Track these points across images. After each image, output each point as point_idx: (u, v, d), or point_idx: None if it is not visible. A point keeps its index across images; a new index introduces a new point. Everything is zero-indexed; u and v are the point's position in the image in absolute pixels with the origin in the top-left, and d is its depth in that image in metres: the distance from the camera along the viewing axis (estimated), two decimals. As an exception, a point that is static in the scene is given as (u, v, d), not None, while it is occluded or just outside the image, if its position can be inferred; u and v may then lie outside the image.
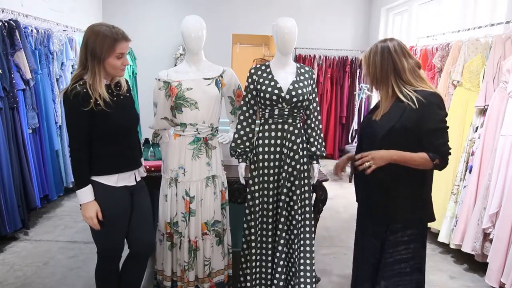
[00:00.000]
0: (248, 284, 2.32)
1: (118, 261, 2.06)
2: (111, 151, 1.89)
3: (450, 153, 1.73)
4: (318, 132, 2.32)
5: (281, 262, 2.29)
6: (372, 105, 1.95)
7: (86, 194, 1.82)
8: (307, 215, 2.31)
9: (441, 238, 3.22)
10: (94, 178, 1.87)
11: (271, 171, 2.24)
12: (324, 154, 2.33)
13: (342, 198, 4.62)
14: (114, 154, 1.90)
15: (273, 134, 2.21)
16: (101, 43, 1.75)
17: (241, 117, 2.28)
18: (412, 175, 1.74)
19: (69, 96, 1.75)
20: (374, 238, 1.87)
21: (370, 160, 1.67)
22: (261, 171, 2.24)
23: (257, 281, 2.36)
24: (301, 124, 2.28)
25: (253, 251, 2.29)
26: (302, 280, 2.31)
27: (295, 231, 2.29)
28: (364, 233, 1.95)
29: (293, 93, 2.16)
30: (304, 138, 2.29)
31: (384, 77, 1.78)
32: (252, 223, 2.26)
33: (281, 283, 2.30)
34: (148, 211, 2.08)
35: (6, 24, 3.21)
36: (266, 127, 2.23)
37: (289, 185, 2.25)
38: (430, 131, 1.68)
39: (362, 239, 1.97)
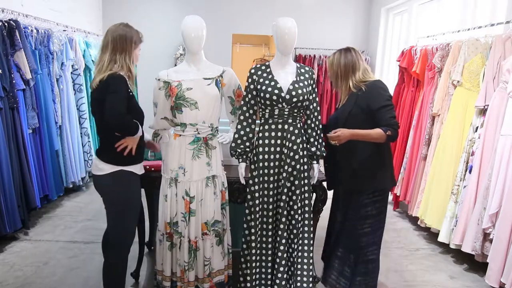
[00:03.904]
0: (248, 284, 2.32)
1: (128, 252, 2.24)
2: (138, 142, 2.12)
3: (399, 126, 2.14)
4: (318, 132, 2.32)
5: (283, 262, 2.29)
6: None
7: (140, 132, 2.09)
8: (306, 215, 2.31)
9: (441, 238, 3.22)
10: (125, 168, 2.09)
11: (271, 171, 2.24)
12: (324, 154, 2.33)
13: (342, 198, 4.61)
14: (139, 144, 2.13)
15: (273, 134, 2.21)
16: (136, 34, 2.14)
17: (241, 117, 2.28)
18: (368, 149, 2.17)
19: (119, 76, 2.01)
20: (345, 215, 2.31)
21: (336, 140, 2.04)
22: (261, 171, 2.24)
23: (257, 281, 2.37)
24: (301, 124, 2.28)
25: (253, 251, 2.29)
26: (299, 279, 2.31)
27: (295, 231, 2.29)
28: (339, 205, 2.36)
29: (293, 93, 2.15)
30: (304, 138, 2.29)
31: (345, 74, 2.23)
32: (252, 223, 2.26)
33: (283, 282, 2.30)
34: None
35: (6, 24, 3.21)
36: (266, 127, 2.23)
37: (289, 185, 2.25)
38: (379, 108, 2.09)
39: (336, 211, 2.39)
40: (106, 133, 2.09)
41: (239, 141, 2.26)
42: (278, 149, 2.22)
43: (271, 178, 2.25)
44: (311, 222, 2.36)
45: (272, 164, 2.23)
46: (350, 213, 2.29)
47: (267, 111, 2.21)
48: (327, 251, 2.51)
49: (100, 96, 1.98)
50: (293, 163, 2.23)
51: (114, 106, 1.93)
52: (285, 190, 2.24)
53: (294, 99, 2.16)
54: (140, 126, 2.08)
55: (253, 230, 2.27)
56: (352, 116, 2.15)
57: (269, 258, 2.35)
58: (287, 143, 2.21)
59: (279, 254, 2.28)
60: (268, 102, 2.18)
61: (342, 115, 2.20)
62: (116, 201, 2.13)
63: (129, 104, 2.03)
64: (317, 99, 2.32)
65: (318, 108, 2.33)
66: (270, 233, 2.32)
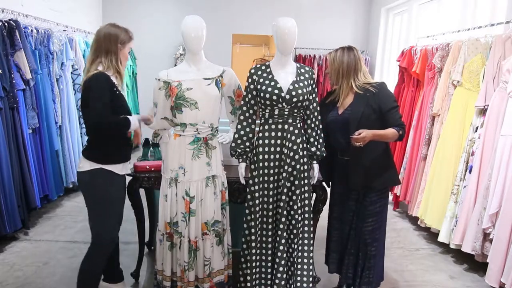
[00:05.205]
0: (248, 284, 2.32)
1: (109, 253, 2.22)
2: (119, 142, 2.13)
3: (405, 125, 2.26)
4: (318, 132, 2.32)
5: (282, 262, 2.29)
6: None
7: (135, 122, 2.12)
8: (306, 215, 2.31)
9: (441, 238, 3.22)
10: (103, 166, 2.08)
11: (271, 171, 2.24)
12: (324, 154, 2.33)
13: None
14: (121, 144, 2.16)
15: (273, 134, 2.21)
16: (124, 33, 2.11)
17: (241, 117, 2.28)
18: (379, 149, 2.26)
19: (100, 77, 1.99)
20: (352, 214, 2.36)
21: (360, 141, 2.07)
22: (261, 171, 2.24)
23: (257, 281, 2.37)
24: (301, 124, 2.28)
25: (253, 251, 2.29)
26: (299, 279, 2.32)
27: (295, 231, 2.29)
28: (344, 206, 2.39)
29: (293, 93, 2.15)
30: (304, 138, 2.29)
31: (348, 72, 2.24)
32: (252, 223, 2.26)
33: (282, 282, 2.30)
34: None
35: (6, 24, 3.21)
36: (266, 127, 2.23)
37: (289, 185, 2.25)
38: (390, 109, 2.20)
39: (341, 212, 2.41)
40: (93, 132, 2.11)
41: (239, 141, 2.26)
42: (278, 149, 2.22)
43: (271, 178, 2.25)
44: (311, 222, 2.36)
45: (272, 164, 2.23)
46: (360, 211, 2.33)
47: (267, 111, 2.21)
48: (331, 255, 2.51)
49: (85, 96, 2.01)
50: (293, 163, 2.23)
51: (99, 113, 1.96)
52: (285, 190, 2.24)
53: (294, 99, 2.16)
54: (128, 118, 2.08)
55: (253, 230, 2.26)
56: (365, 117, 2.20)
57: (269, 258, 2.35)
58: (287, 143, 2.21)
59: (279, 254, 2.28)
60: (268, 102, 2.18)
61: (354, 116, 2.21)
62: (93, 199, 2.13)
63: (115, 103, 2.05)
64: (317, 99, 2.32)
65: (318, 108, 2.33)
66: (270, 233, 2.32)
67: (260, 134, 2.24)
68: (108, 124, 2.02)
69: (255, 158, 2.26)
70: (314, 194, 2.50)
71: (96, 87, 1.98)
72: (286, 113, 2.19)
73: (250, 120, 2.28)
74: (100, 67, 2.04)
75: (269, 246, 2.33)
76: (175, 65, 5.93)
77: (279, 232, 2.28)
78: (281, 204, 2.25)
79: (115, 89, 2.05)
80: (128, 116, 2.10)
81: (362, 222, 2.32)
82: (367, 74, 2.31)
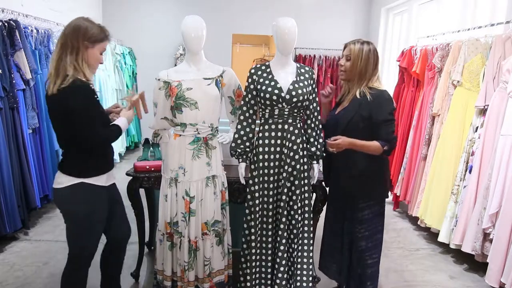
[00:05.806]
0: (248, 284, 2.32)
1: (89, 266, 2.10)
2: (102, 150, 1.97)
3: (396, 141, 2.12)
4: (318, 132, 2.32)
5: (283, 262, 2.29)
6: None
7: (124, 123, 1.99)
8: (306, 215, 2.31)
9: (441, 238, 3.22)
10: (86, 180, 1.89)
11: (271, 171, 2.24)
12: (324, 154, 2.33)
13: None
14: (104, 153, 2.00)
15: (273, 134, 2.21)
16: (97, 30, 1.82)
17: (241, 117, 2.28)
18: (372, 158, 2.09)
19: (82, 89, 1.75)
20: (343, 217, 2.27)
21: (335, 147, 1.99)
22: (261, 171, 2.24)
23: (257, 281, 2.37)
24: (301, 124, 2.28)
25: (253, 251, 2.29)
26: (299, 279, 2.32)
27: (295, 231, 2.29)
28: (336, 212, 2.32)
29: (293, 93, 2.15)
30: (304, 138, 2.29)
31: (367, 75, 2.09)
32: (252, 223, 2.26)
33: (283, 282, 2.30)
34: (122, 202, 2.21)
35: (6, 24, 3.21)
36: (266, 127, 2.23)
37: (289, 185, 2.25)
38: (382, 122, 2.03)
39: (334, 219, 2.34)
40: (73, 146, 1.88)
41: (239, 141, 2.26)
42: (278, 149, 2.22)
43: (271, 178, 2.25)
44: (311, 222, 2.36)
45: (272, 164, 2.23)
46: (348, 216, 2.26)
47: (267, 111, 2.21)
48: (324, 260, 2.47)
49: (63, 107, 1.75)
50: (293, 163, 2.23)
51: (97, 135, 1.83)
52: (285, 190, 2.24)
53: (294, 99, 2.16)
54: (118, 125, 1.95)
55: (253, 230, 2.27)
56: (353, 123, 2.09)
57: (269, 258, 2.35)
58: (287, 143, 2.21)
59: (279, 254, 2.28)
60: (268, 102, 2.18)
61: (343, 121, 2.12)
62: (74, 217, 1.95)
63: (101, 110, 1.93)
64: (317, 99, 2.32)
65: (318, 108, 2.33)
66: (270, 233, 2.32)
67: (260, 134, 2.24)
68: (108, 141, 1.92)
69: (255, 158, 2.26)
70: (314, 194, 2.50)
71: (83, 104, 1.75)
72: (286, 113, 2.19)
73: (250, 120, 2.28)
74: (71, 70, 1.74)
75: (269, 246, 2.33)
76: (175, 65, 5.93)
77: (279, 232, 2.28)
78: (281, 204, 2.25)
79: (96, 96, 1.83)
80: (116, 122, 1.96)
81: (353, 228, 2.24)
82: (378, 79, 2.14)
